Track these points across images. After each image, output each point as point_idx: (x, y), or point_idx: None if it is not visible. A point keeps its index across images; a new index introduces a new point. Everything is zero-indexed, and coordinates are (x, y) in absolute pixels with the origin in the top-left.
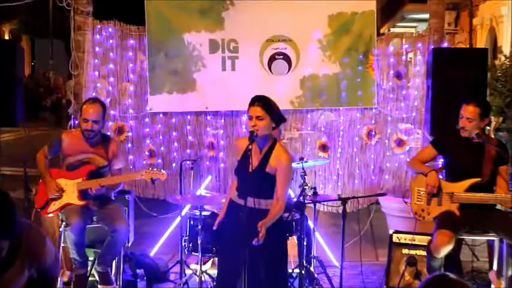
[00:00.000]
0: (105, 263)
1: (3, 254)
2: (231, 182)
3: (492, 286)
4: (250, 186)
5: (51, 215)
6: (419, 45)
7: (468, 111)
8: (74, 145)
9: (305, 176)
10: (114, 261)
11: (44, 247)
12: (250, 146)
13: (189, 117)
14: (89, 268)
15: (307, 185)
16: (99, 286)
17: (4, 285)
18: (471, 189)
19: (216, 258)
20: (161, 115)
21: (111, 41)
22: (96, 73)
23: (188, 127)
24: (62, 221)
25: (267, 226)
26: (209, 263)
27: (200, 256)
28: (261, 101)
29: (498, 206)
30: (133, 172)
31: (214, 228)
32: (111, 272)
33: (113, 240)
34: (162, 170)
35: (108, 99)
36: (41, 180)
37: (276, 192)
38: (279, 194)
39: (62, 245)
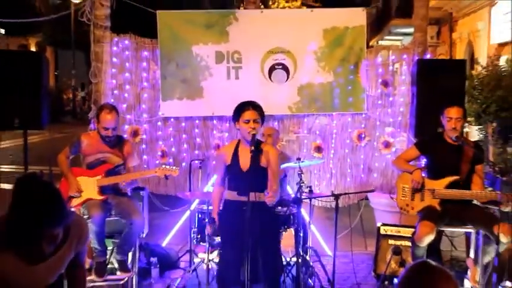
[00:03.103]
0: (123, 252)
1: (58, 240)
2: (216, 189)
3: (469, 272)
4: (249, 183)
5: (73, 209)
6: (405, 56)
7: (455, 112)
8: (93, 146)
9: (302, 175)
10: (130, 251)
11: (87, 232)
12: (253, 148)
13: (197, 121)
14: (108, 256)
15: (303, 183)
16: (117, 272)
17: (52, 265)
18: (450, 186)
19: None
20: (172, 119)
21: (127, 52)
22: (114, 81)
23: (196, 130)
24: (84, 214)
25: (272, 198)
26: (215, 252)
27: (207, 246)
28: (254, 106)
29: (474, 201)
30: (148, 170)
31: (209, 233)
32: (128, 260)
33: (130, 231)
34: (174, 167)
35: (124, 105)
36: (63, 178)
37: (270, 181)
38: (272, 182)
39: None
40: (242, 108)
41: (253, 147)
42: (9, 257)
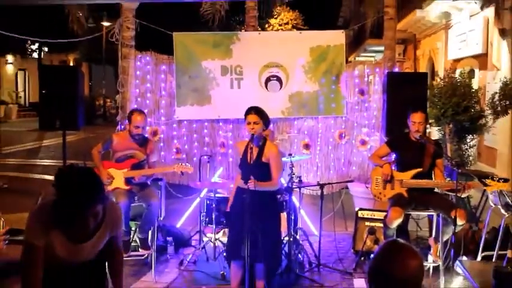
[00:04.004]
0: (144, 231)
1: (99, 217)
2: (236, 175)
3: (431, 249)
4: (251, 174)
5: None
6: (377, 70)
7: (418, 117)
8: (122, 144)
9: (293, 168)
10: (150, 231)
11: (121, 217)
12: (252, 146)
13: (206, 123)
14: (131, 236)
15: (294, 174)
16: (139, 249)
17: (93, 245)
18: (415, 177)
19: (226, 229)
20: (185, 122)
21: (148, 66)
22: (137, 90)
23: (205, 131)
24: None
25: (257, 185)
26: (221, 233)
27: (214, 227)
28: (256, 110)
29: (436, 189)
30: (168, 166)
31: (228, 210)
32: (148, 239)
33: (149, 212)
34: (188, 164)
35: (146, 110)
36: (95, 170)
37: (271, 174)
38: (273, 175)
39: None
40: (246, 112)
41: (252, 145)
42: (58, 234)
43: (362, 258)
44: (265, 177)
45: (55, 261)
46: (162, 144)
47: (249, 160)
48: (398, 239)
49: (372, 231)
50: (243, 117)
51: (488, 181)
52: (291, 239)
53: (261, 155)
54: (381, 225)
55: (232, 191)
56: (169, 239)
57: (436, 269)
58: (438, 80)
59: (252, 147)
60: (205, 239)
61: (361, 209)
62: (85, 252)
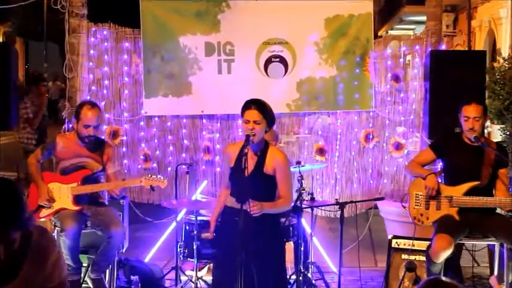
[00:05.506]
0: (99, 269)
1: (15, 248)
2: (221, 190)
3: None
4: (248, 190)
5: (43, 219)
6: (417, 47)
7: (473, 110)
8: (69, 149)
9: (302, 181)
10: (108, 268)
11: (51, 250)
12: (246, 150)
13: (184, 120)
14: (82, 275)
15: (304, 190)
16: None
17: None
18: (470, 192)
19: (212, 264)
20: (156, 118)
21: (105, 43)
22: (91, 76)
23: (184, 131)
24: (55, 226)
25: (264, 208)
26: (205, 269)
27: (196, 262)
28: (258, 105)
29: (498, 210)
30: (132, 179)
31: (211, 237)
32: (105, 278)
33: (109, 245)
34: (160, 176)
35: (103, 103)
36: (32, 183)
37: (280, 191)
38: (283, 192)
39: None
40: (245, 106)
41: (246, 150)
42: None
43: None
44: (268, 195)
45: None
46: (125, 149)
47: (244, 170)
48: (443, 277)
49: (410, 267)
50: (235, 112)
51: None
52: (300, 278)
53: (263, 165)
54: (423, 258)
55: (214, 212)
56: (135, 278)
57: None
58: (501, 60)
59: (247, 153)
60: (183, 278)
61: (395, 237)
62: None
